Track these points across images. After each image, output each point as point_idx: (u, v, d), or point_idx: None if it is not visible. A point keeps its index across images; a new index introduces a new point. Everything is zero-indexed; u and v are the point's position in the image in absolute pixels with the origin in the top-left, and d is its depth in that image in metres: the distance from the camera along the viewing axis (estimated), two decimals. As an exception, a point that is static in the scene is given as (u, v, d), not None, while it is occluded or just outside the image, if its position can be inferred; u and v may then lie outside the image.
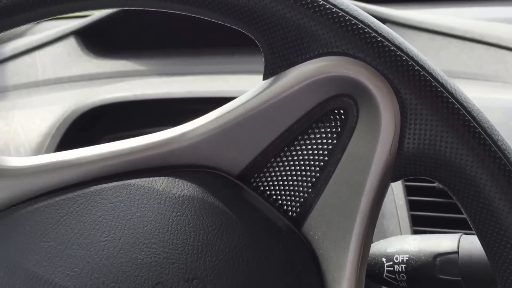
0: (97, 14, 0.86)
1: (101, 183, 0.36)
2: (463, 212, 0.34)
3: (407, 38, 0.75)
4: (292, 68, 0.35)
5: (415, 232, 0.59)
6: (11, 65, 0.86)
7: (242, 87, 0.69)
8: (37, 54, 0.86)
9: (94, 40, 0.87)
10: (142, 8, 0.35)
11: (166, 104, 0.73)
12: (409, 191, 0.62)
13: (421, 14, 0.81)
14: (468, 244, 0.43)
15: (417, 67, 0.33)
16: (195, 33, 0.84)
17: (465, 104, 0.33)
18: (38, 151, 0.71)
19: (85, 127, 0.75)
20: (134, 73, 0.82)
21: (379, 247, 0.45)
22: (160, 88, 0.76)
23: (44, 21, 0.36)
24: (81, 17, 0.89)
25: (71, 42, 0.86)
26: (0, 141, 0.75)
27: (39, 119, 0.74)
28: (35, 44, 0.86)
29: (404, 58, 0.33)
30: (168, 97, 0.72)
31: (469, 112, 0.33)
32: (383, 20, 0.79)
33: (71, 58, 0.85)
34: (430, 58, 0.35)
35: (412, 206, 0.61)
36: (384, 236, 0.56)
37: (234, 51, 0.82)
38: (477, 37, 0.76)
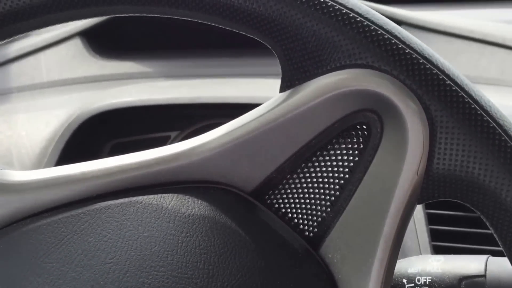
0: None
1: (107, 200, 0.35)
2: (497, 239, 0.33)
3: (424, 41, 0.73)
4: (312, 81, 0.33)
5: (434, 247, 0.57)
6: (15, 67, 0.86)
7: (253, 92, 0.68)
8: (42, 55, 0.85)
9: (99, 41, 0.86)
10: (151, 15, 0.34)
11: (174, 109, 0.72)
12: (427, 204, 0.60)
13: (439, 15, 0.79)
14: (496, 267, 0.41)
15: (448, 82, 0.31)
16: (204, 33, 0.83)
17: (501, 123, 0.31)
18: (41, 156, 0.71)
19: (90, 131, 0.73)
20: (140, 75, 0.81)
21: (399, 266, 0.44)
22: (168, 92, 0.74)
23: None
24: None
25: (77, 43, 0.85)
26: (3, 146, 0.74)
27: (43, 123, 0.73)
28: (40, 45, 0.86)
29: (434, 71, 0.31)
30: (176, 103, 0.71)
31: (505, 132, 0.31)
32: (399, 22, 0.77)
33: (76, 59, 0.84)
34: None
35: (431, 220, 0.60)
36: (401, 251, 0.54)
37: (244, 53, 0.80)
38: (499, 40, 0.74)
